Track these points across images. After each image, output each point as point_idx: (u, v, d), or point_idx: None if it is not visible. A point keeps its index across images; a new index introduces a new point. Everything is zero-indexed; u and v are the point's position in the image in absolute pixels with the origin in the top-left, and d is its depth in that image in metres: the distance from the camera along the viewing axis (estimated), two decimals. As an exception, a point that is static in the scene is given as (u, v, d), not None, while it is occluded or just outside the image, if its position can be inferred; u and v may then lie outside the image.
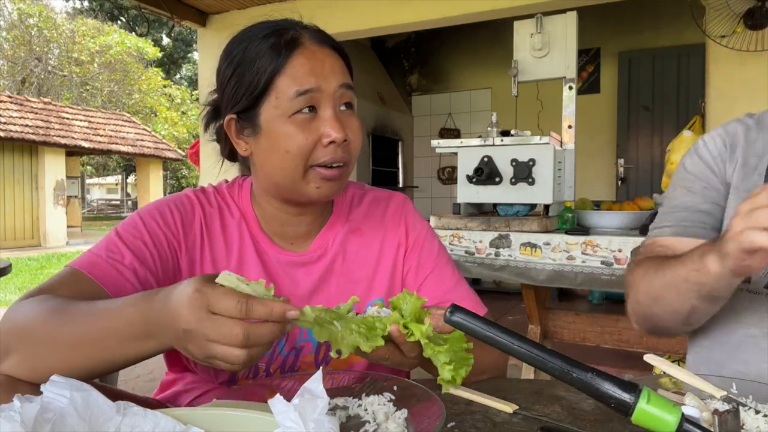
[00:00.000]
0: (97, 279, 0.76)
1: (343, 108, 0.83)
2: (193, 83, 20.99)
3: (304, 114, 0.79)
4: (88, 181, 25.50)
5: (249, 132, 0.83)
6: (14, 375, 0.64)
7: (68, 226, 12.32)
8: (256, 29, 0.84)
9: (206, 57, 4.77)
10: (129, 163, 21.30)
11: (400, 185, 6.14)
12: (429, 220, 2.22)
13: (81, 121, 12.61)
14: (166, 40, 21.16)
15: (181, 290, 0.58)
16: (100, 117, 13.62)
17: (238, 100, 0.82)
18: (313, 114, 0.80)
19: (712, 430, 0.54)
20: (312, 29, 0.85)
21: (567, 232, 1.95)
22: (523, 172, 1.98)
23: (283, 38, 0.80)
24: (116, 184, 29.71)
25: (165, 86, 18.18)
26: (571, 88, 2.30)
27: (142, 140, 13.61)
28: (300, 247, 0.92)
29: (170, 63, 22.38)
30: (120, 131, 13.42)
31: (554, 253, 1.93)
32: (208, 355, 0.56)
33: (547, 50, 2.28)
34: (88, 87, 17.19)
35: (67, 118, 12.27)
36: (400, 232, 0.95)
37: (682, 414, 0.49)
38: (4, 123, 10.34)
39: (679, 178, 1.01)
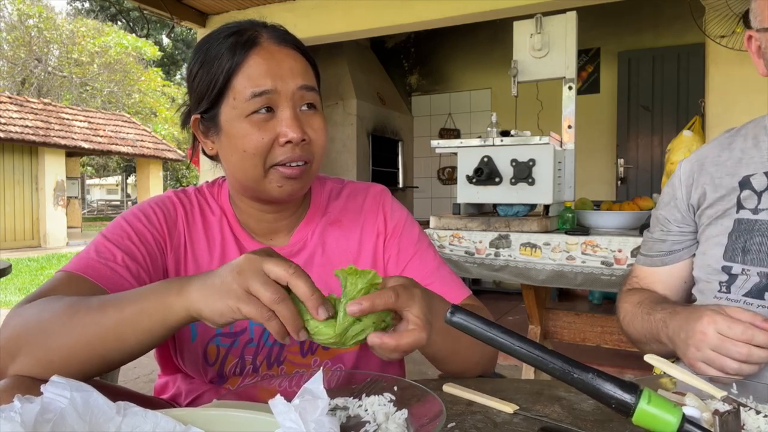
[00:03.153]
0: (95, 279, 0.76)
1: (304, 108, 0.83)
2: (193, 84, 20.94)
3: (261, 114, 0.79)
4: (88, 181, 25.51)
5: (213, 132, 0.84)
6: (28, 374, 0.64)
7: (68, 227, 12.34)
8: (221, 30, 0.84)
9: (206, 57, 4.76)
10: (129, 164, 21.31)
11: (400, 185, 6.14)
12: (429, 221, 2.22)
13: (81, 121, 12.62)
14: (166, 41, 21.17)
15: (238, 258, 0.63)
16: (100, 118, 13.62)
17: (200, 100, 0.83)
18: (270, 114, 0.80)
19: (712, 430, 0.54)
20: (273, 28, 0.84)
21: (567, 232, 1.95)
22: (523, 173, 1.98)
23: (242, 38, 0.81)
24: (116, 185, 29.72)
25: (165, 86, 18.17)
26: (570, 88, 2.30)
27: (142, 141, 13.62)
28: (279, 242, 0.93)
29: (170, 64, 22.39)
30: (120, 132, 13.42)
31: (554, 253, 1.93)
32: (250, 286, 0.59)
33: (547, 50, 2.28)
34: (87, 87, 17.20)
35: (67, 119, 12.28)
36: (378, 221, 0.96)
37: (683, 414, 0.49)
38: (4, 124, 10.35)
39: (657, 204, 1.11)
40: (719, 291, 0.94)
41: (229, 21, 0.87)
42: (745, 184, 0.95)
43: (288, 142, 0.79)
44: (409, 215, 0.99)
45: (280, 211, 0.91)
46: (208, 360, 0.86)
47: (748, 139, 0.98)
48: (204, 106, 0.83)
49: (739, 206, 0.94)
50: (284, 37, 0.84)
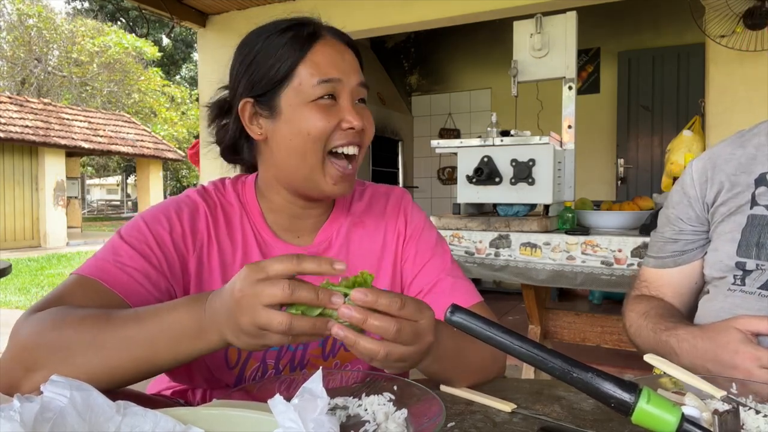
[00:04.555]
0: (109, 285, 0.75)
1: (357, 102, 0.87)
2: (193, 83, 20.99)
3: (325, 100, 0.83)
4: (88, 181, 25.52)
5: (266, 115, 0.85)
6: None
7: (68, 227, 12.33)
8: (275, 25, 0.87)
9: (206, 58, 4.77)
10: (129, 164, 21.31)
11: (400, 186, 6.14)
12: (429, 221, 2.22)
13: (81, 121, 12.61)
14: (166, 41, 21.17)
15: (237, 274, 0.60)
16: (99, 118, 13.62)
17: (255, 85, 0.85)
18: (332, 101, 0.84)
19: (712, 430, 0.54)
20: (329, 26, 0.90)
21: (567, 232, 1.95)
22: (523, 172, 1.98)
23: (305, 30, 0.85)
24: (116, 185, 29.73)
25: (164, 86, 18.16)
26: (570, 88, 2.30)
27: (142, 141, 13.61)
28: (304, 240, 0.93)
29: (170, 64, 22.38)
30: (120, 132, 13.42)
31: (554, 253, 1.93)
32: (258, 324, 0.57)
33: (547, 50, 2.28)
34: (87, 87, 17.19)
35: (67, 119, 12.28)
36: (399, 223, 0.97)
37: (682, 414, 0.49)
38: (4, 124, 10.35)
39: (666, 204, 1.10)
40: (733, 284, 0.94)
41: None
42: (761, 180, 0.95)
43: (350, 128, 0.83)
44: (429, 220, 1.01)
45: (312, 207, 0.91)
46: (229, 363, 0.85)
47: (762, 136, 0.98)
48: (260, 90, 0.85)
49: (753, 203, 0.94)
50: (342, 35, 0.90)
